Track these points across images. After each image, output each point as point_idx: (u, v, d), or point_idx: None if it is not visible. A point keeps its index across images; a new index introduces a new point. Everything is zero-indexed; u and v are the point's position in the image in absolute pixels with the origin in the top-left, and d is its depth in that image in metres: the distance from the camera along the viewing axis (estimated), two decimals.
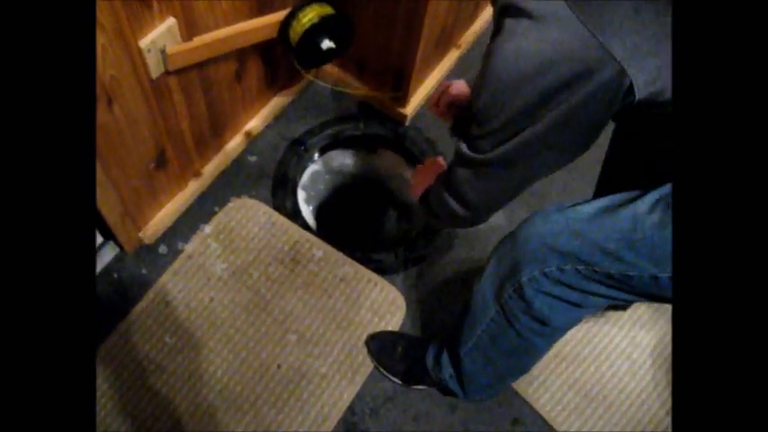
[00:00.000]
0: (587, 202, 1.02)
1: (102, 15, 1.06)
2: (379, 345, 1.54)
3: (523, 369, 1.33)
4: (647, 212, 0.93)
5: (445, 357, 1.38)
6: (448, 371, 1.39)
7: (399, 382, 1.51)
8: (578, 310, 1.06)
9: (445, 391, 1.47)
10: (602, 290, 1.00)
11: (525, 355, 1.25)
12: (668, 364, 1.59)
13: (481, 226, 1.74)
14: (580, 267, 0.98)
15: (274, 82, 1.80)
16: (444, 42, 1.91)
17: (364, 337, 1.56)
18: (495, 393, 1.48)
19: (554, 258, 1.00)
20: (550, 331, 1.13)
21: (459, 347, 1.30)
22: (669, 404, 1.54)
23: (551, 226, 1.02)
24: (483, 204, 1.04)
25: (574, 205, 1.03)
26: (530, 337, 1.15)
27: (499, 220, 1.77)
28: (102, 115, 1.22)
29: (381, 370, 1.52)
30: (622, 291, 0.98)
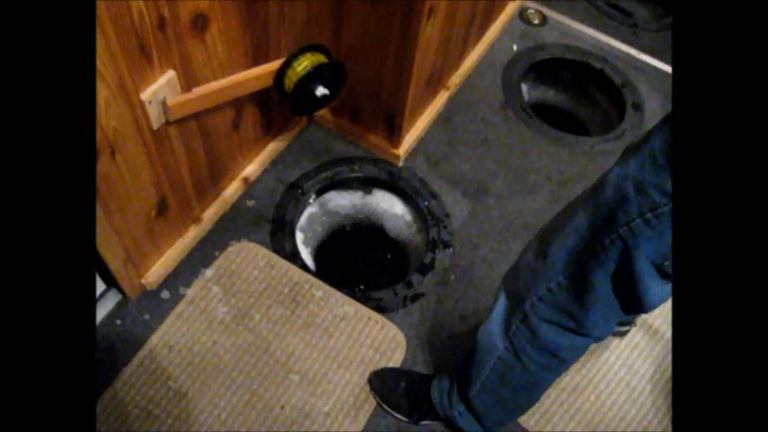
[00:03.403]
0: None
1: (105, 70, 1.11)
2: (382, 381, 1.55)
3: (533, 401, 1.35)
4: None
5: (455, 396, 1.40)
6: (457, 409, 1.41)
7: (405, 419, 1.52)
8: (580, 338, 1.08)
9: (453, 427, 1.48)
10: (591, 297, 1.00)
11: (533, 390, 1.28)
12: (667, 390, 1.61)
13: (476, 260, 1.78)
14: (560, 279, 1.01)
15: (270, 128, 1.85)
16: (434, 84, 1.98)
17: (366, 375, 1.57)
18: (509, 422, 1.50)
19: (541, 280, 1.04)
20: (557, 364, 1.15)
21: (468, 390, 1.33)
22: (669, 430, 1.56)
23: (532, 255, 1.09)
24: None
25: None
26: (537, 372, 1.17)
27: (494, 254, 1.80)
28: (105, 165, 1.26)
29: (385, 407, 1.53)
30: (604, 279, 0.97)
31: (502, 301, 1.18)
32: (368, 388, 1.56)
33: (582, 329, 1.05)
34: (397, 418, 1.53)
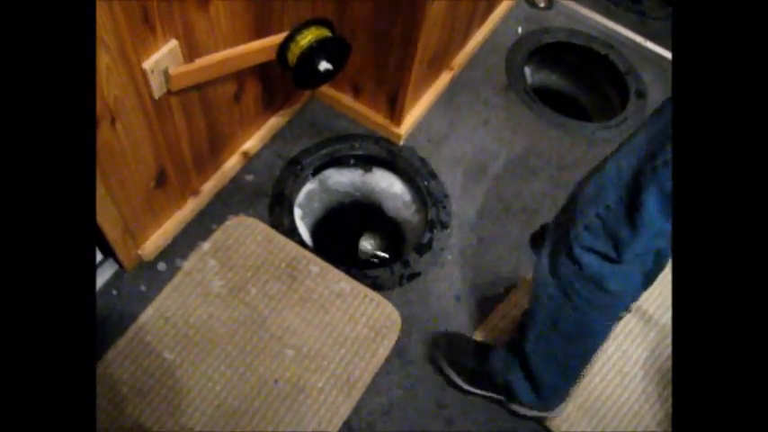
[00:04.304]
0: None
1: (108, 37, 1.10)
2: (450, 342, 1.56)
3: (585, 355, 1.34)
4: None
5: (513, 360, 1.41)
6: (515, 373, 1.42)
7: (461, 383, 1.52)
8: (621, 266, 1.07)
9: (508, 393, 1.49)
10: (640, 219, 1.00)
11: (585, 338, 1.28)
12: (659, 377, 1.62)
13: (474, 241, 1.79)
14: (610, 202, 1.02)
15: (271, 103, 1.84)
16: (437, 64, 1.96)
17: (361, 351, 1.58)
18: (564, 389, 1.48)
19: (591, 208, 1.05)
20: (605, 298, 1.14)
21: (525, 343, 1.34)
22: (660, 416, 1.57)
23: (585, 182, 1.12)
24: None
25: None
26: (584, 308, 1.17)
27: (491, 236, 1.81)
28: (105, 134, 1.25)
29: (447, 367, 1.53)
30: (656, 199, 0.97)
31: (549, 242, 1.19)
32: (362, 365, 1.56)
33: (621, 258, 1.06)
34: (453, 381, 1.53)
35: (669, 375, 1.62)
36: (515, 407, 1.51)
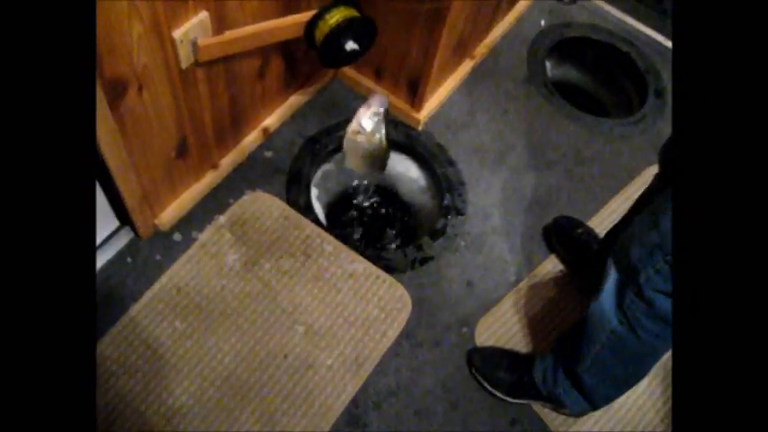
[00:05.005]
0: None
1: (142, 5, 1.11)
2: (483, 359, 1.58)
3: (642, 375, 1.36)
4: None
5: (560, 374, 1.43)
6: (562, 386, 1.44)
7: (505, 397, 1.55)
8: None
9: (555, 403, 1.51)
10: None
11: (645, 362, 1.30)
12: (664, 372, 1.63)
13: (487, 230, 1.79)
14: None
15: (294, 81, 1.85)
16: (460, 52, 1.97)
17: (370, 331, 1.59)
18: (616, 398, 1.50)
19: (657, 253, 1.07)
20: (671, 331, 1.17)
21: (577, 365, 1.36)
22: (663, 410, 1.58)
23: (644, 230, 1.11)
24: None
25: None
26: (651, 341, 1.19)
27: (505, 225, 1.81)
28: (132, 100, 1.26)
29: (485, 384, 1.56)
30: None
31: (612, 278, 1.20)
32: (371, 345, 1.58)
33: None
34: (495, 395, 1.55)
35: None
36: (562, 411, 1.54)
